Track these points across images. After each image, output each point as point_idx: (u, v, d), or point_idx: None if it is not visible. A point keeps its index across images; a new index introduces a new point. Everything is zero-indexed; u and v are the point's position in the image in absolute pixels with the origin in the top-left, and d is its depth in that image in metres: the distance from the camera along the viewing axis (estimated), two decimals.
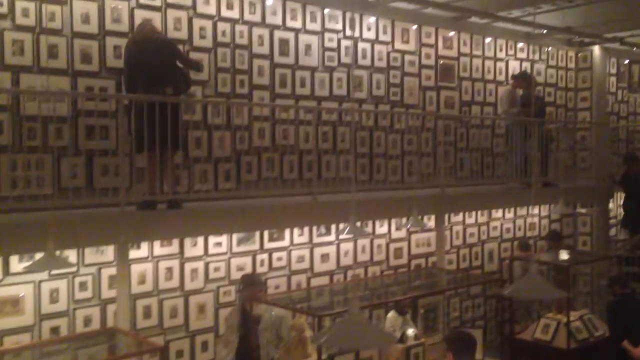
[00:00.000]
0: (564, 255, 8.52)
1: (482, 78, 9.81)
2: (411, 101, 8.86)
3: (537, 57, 10.62)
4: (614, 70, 11.84)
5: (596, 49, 11.01)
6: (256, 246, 7.08)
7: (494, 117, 9.72)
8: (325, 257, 7.60)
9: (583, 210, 10.82)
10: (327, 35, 7.85)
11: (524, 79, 9.26)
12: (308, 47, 7.67)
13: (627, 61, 12.08)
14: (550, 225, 10.64)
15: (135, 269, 6.16)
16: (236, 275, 6.82)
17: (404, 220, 7.78)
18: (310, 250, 7.52)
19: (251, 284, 5.97)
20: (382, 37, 8.44)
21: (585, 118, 11.15)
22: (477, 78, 9.74)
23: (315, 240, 7.54)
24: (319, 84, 7.79)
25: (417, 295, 6.28)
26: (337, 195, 6.61)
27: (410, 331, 6.10)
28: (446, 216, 8.73)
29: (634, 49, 11.41)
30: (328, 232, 7.61)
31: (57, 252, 4.40)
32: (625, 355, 6.55)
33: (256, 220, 6.21)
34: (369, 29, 8.29)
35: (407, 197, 7.51)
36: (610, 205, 11.06)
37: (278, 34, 7.41)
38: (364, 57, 8.28)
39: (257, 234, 7.00)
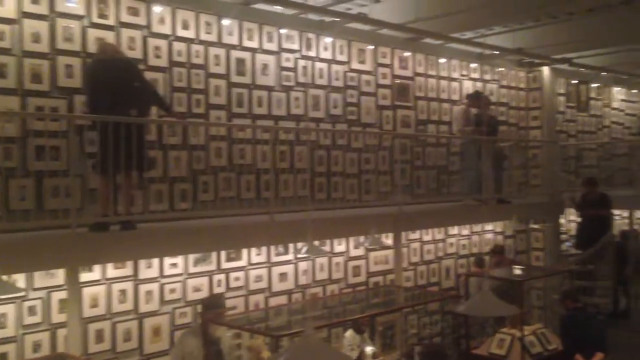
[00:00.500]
0: (517, 270, 8.69)
1: (437, 97, 10.01)
2: (368, 120, 8.96)
3: (489, 77, 10.89)
4: (562, 90, 12.23)
5: (546, 70, 11.37)
6: (213, 266, 7.01)
7: (449, 135, 9.91)
8: (283, 277, 7.57)
9: (536, 226, 11.08)
10: (284, 55, 7.89)
11: (477, 98, 9.48)
12: (265, 66, 7.69)
13: (575, 81, 12.50)
14: (505, 240, 10.86)
15: (87, 292, 6.02)
16: (193, 296, 6.73)
17: (362, 238, 7.82)
18: (268, 270, 7.48)
19: (214, 306, 5.88)
20: (338, 57, 8.54)
21: (536, 136, 11.46)
22: (433, 97, 9.93)
23: (273, 259, 7.51)
24: (276, 104, 7.81)
25: (374, 313, 6.31)
26: (295, 214, 6.60)
27: (369, 349, 6.11)
28: (404, 234, 8.82)
29: (582, 69, 11.82)
30: (286, 252, 7.59)
31: (5, 277, 4.26)
32: None
33: (213, 241, 6.14)
34: (325, 49, 8.38)
35: (364, 216, 7.57)
36: (562, 220, 11.37)
37: (235, 54, 7.41)
38: (321, 76, 8.35)
39: (214, 254, 6.92)
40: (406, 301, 7.62)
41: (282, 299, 7.50)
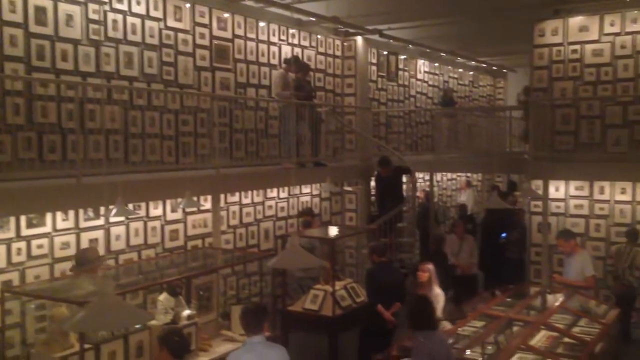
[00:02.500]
0: (332, 230, 9.14)
1: (257, 61, 10.04)
2: (186, 81, 8.73)
3: (307, 43, 11.16)
4: (374, 60, 12.95)
5: (359, 39, 11.93)
6: (11, 234, 6.41)
7: (268, 99, 10.01)
8: (93, 243, 7.16)
9: (349, 188, 11.70)
10: (91, 5, 7.34)
11: (295, 63, 9.67)
12: (69, 17, 7.10)
13: (386, 52, 13.29)
14: (321, 203, 11.34)
15: None
16: None
17: (179, 201, 7.66)
18: (76, 236, 7.03)
19: (86, 262, 5.49)
20: (153, 13, 8.16)
21: (350, 103, 12.03)
22: (252, 61, 9.94)
23: (82, 224, 7.07)
24: (84, 59, 7.26)
25: (189, 275, 6.24)
26: (106, 177, 6.25)
27: (185, 312, 6.05)
28: (222, 196, 8.81)
29: (391, 41, 12.58)
30: (97, 216, 7.18)
31: None
32: (378, 317, 7.24)
33: (10, 205, 5.62)
34: (138, 4, 7.96)
35: (181, 178, 7.42)
36: (373, 183, 12.14)
37: (33, 1, 6.72)
38: (134, 32, 7.92)
39: (12, 219, 6.33)
40: (225, 263, 7.67)
41: None
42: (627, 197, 9.58)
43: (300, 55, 10.68)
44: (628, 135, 9.65)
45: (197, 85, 8.90)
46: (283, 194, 10.39)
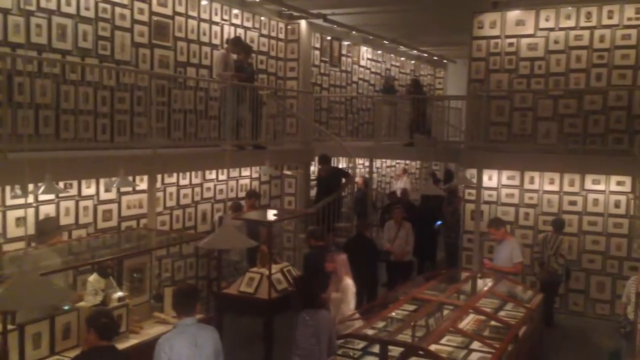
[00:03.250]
0: (271, 213, 9.13)
1: (198, 40, 9.85)
2: (123, 57, 8.47)
3: (250, 25, 11.02)
4: (318, 45, 12.93)
5: (303, 23, 11.87)
6: None
7: (208, 79, 9.85)
8: (21, 221, 6.90)
9: (289, 172, 11.70)
10: None
11: (237, 44, 9.54)
12: None
13: (329, 37, 13.30)
14: (260, 186, 11.30)
15: None
16: None
17: (113, 180, 7.46)
18: (2, 214, 6.75)
19: (44, 233, 5.31)
20: None
21: (292, 87, 11.99)
22: (193, 39, 9.74)
23: (9, 202, 6.79)
24: (13, 29, 6.93)
25: (120, 256, 6.10)
26: (34, 153, 6.02)
27: (117, 294, 5.92)
28: (159, 177, 8.64)
29: (335, 26, 12.59)
30: (24, 194, 6.90)
31: None
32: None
33: None
34: None
35: (115, 157, 7.22)
36: (312, 168, 12.19)
37: None
38: (68, 4, 7.61)
39: None
40: (159, 244, 7.53)
41: (21, 245, 6.84)
42: (555, 188, 9.98)
43: (242, 37, 10.54)
44: (557, 128, 10.04)
45: (134, 62, 8.66)
46: (222, 176, 10.29)
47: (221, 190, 10.32)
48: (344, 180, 11.23)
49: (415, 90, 12.86)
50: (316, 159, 11.23)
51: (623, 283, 8.20)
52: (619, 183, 9.53)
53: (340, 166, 13.45)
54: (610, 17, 9.66)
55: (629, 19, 9.54)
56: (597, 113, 9.75)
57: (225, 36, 10.24)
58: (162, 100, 8.92)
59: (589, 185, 9.75)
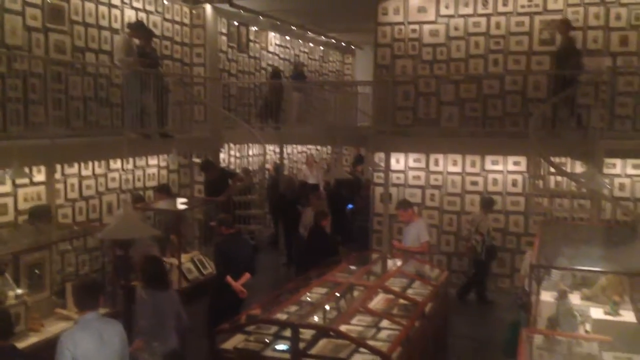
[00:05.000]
0: (180, 202, 8.94)
1: (97, 24, 9.42)
2: (14, 41, 7.98)
3: (153, 8, 10.67)
4: (225, 30, 12.72)
5: (208, 8, 11.64)
6: None
7: (109, 65, 9.46)
8: None
9: (198, 160, 11.48)
10: None
11: (139, 28, 9.21)
12: None
13: (236, 23, 13.11)
14: (169, 175, 11.03)
15: None
16: None
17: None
18: None
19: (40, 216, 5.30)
20: None
21: (199, 73, 11.75)
22: (91, 23, 9.31)
23: None
24: None
25: (15, 251, 5.77)
26: None
27: (15, 291, 5.61)
28: (59, 168, 8.24)
29: (242, 11, 12.42)
30: None
31: None
32: (228, 288, 7.22)
33: None
34: None
35: (8, 147, 6.79)
36: (222, 155, 12.03)
37: None
38: None
39: None
40: (59, 238, 7.20)
41: None
42: (457, 169, 10.39)
43: (145, 21, 10.19)
44: (459, 112, 10.44)
45: (27, 47, 8.16)
46: (128, 166, 9.96)
47: (127, 180, 9.99)
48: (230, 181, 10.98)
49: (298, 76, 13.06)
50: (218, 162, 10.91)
51: (521, 257, 8.68)
52: (515, 163, 10.06)
53: (251, 152, 13.38)
54: (505, 5, 10.11)
55: (522, 6, 10.02)
56: (495, 97, 10.21)
57: (126, 20, 9.86)
58: (60, 87, 8.48)
59: (488, 165, 10.22)
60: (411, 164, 10.63)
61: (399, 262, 7.97)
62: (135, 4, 10.20)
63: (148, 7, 10.53)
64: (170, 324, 5.54)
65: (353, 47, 19.00)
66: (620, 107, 9.44)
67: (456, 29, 10.40)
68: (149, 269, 5.68)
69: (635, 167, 9.41)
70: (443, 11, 10.46)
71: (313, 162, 15.34)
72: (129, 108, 8.79)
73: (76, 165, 8.77)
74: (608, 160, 9.06)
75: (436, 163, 10.49)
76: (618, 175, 9.53)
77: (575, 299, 6.20)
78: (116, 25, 9.75)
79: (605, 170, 9.01)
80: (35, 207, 7.27)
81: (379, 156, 10.40)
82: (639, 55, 9.48)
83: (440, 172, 10.48)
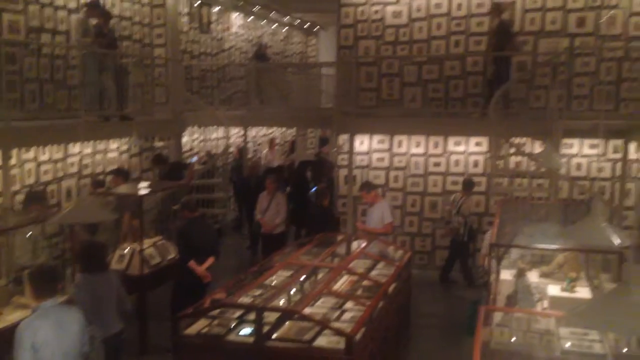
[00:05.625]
0: (142, 186, 8.78)
1: (52, 3, 9.13)
2: None
3: None
4: (186, 10, 12.47)
5: None
6: None
7: (66, 46, 9.19)
8: None
9: (161, 143, 11.31)
10: None
11: (95, 8, 8.97)
12: None
13: (197, 3, 12.87)
14: (131, 159, 10.84)
15: None
16: None
17: None
18: None
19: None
20: None
21: (160, 54, 11.52)
22: (46, 3, 9.02)
23: None
24: None
25: None
26: None
27: None
28: (15, 152, 8.01)
29: None
30: None
31: None
32: (191, 273, 7.17)
33: None
34: None
35: None
36: (185, 139, 11.87)
37: None
38: None
39: None
40: (18, 224, 7.02)
41: None
42: (421, 150, 10.47)
43: (102, 1, 9.91)
44: (422, 93, 10.50)
45: None
46: (88, 150, 9.74)
47: (87, 165, 9.78)
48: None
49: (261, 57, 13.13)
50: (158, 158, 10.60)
51: (482, 237, 8.83)
52: (477, 144, 10.18)
53: (214, 135, 13.25)
54: None
55: None
56: (457, 78, 10.29)
57: (83, 0, 9.58)
58: (14, 69, 8.21)
59: (451, 147, 10.32)
60: (375, 145, 10.66)
61: (363, 244, 8.03)
62: None
63: None
64: (110, 308, 5.46)
65: (317, 28, 18.89)
66: (578, 87, 9.63)
67: (418, 10, 10.42)
68: (83, 253, 5.59)
69: (591, 147, 9.63)
70: None
71: (275, 146, 15.27)
72: (87, 90, 8.59)
73: (33, 149, 8.53)
74: (566, 140, 9.25)
75: (400, 145, 10.54)
76: (575, 155, 9.75)
77: (533, 276, 6.35)
78: (72, 4, 9.46)
79: (563, 150, 9.22)
80: (29, 191, 7.40)
81: (343, 138, 10.40)
82: (596, 35, 9.66)
83: (403, 154, 10.55)
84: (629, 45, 9.45)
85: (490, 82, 9.57)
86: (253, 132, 14.81)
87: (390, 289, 6.72)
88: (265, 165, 13.23)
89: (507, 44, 9.34)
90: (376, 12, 10.58)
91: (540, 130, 8.29)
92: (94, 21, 8.90)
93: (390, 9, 10.52)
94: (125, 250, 7.49)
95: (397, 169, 10.59)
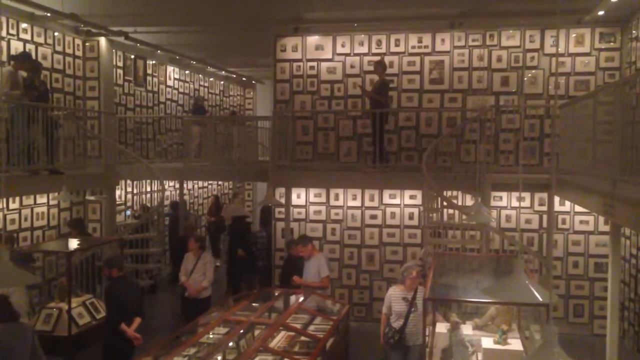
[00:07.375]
0: (72, 242, 8.47)
1: None
2: None
3: (42, 40, 10.23)
4: (120, 63, 12.40)
5: (102, 40, 11.32)
6: None
7: None
8: None
9: (92, 197, 11.01)
10: None
11: (25, 60, 8.79)
12: None
13: (133, 56, 12.83)
14: (60, 214, 10.48)
15: None
16: None
17: None
18: None
19: None
20: None
21: (93, 107, 11.34)
22: None
23: None
24: None
25: None
26: None
27: None
28: None
29: (139, 45, 12.19)
30: None
31: None
32: (122, 334, 6.85)
33: None
34: None
35: None
36: (118, 192, 11.60)
37: None
38: None
39: None
40: None
41: None
42: (357, 203, 10.61)
43: (33, 53, 9.74)
44: (357, 147, 10.72)
45: None
46: (13, 205, 9.38)
47: (13, 220, 9.39)
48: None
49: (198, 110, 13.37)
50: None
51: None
52: (411, 197, 10.42)
53: (149, 189, 12.99)
54: (397, 45, 10.58)
55: (413, 47, 10.54)
56: (391, 133, 10.58)
57: (13, 52, 9.38)
58: None
59: (386, 199, 10.52)
60: (312, 198, 10.74)
61: (300, 298, 7.98)
62: (23, 36, 9.74)
63: (37, 39, 10.09)
64: (23, 356, 5.32)
65: (254, 81, 19.12)
66: (504, 142, 10.08)
67: (352, 66, 10.75)
68: None
69: (519, 199, 10.03)
70: (339, 49, 10.78)
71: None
72: (15, 144, 8.31)
73: None
74: (495, 193, 9.61)
75: (336, 197, 10.66)
76: (504, 207, 10.12)
77: (467, 329, 6.45)
78: (2, 57, 9.25)
79: (492, 203, 9.55)
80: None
81: (280, 191, 10.43)
82: (518, 94, 10.21)
83: (340, 207, 10.66)
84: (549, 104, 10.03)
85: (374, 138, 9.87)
86: (189, 184, 14.65)
87: (328, 344, 6.67)
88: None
89: (384, 101, 9.77)
90: (312, 67, 10.84)
91: (470, 184, 8.58)
92: (24, 74, 8.71)
93: (325, 65, 10.81)
94: (52, 310, 7.16)
95: (334, 221, 10.67)
